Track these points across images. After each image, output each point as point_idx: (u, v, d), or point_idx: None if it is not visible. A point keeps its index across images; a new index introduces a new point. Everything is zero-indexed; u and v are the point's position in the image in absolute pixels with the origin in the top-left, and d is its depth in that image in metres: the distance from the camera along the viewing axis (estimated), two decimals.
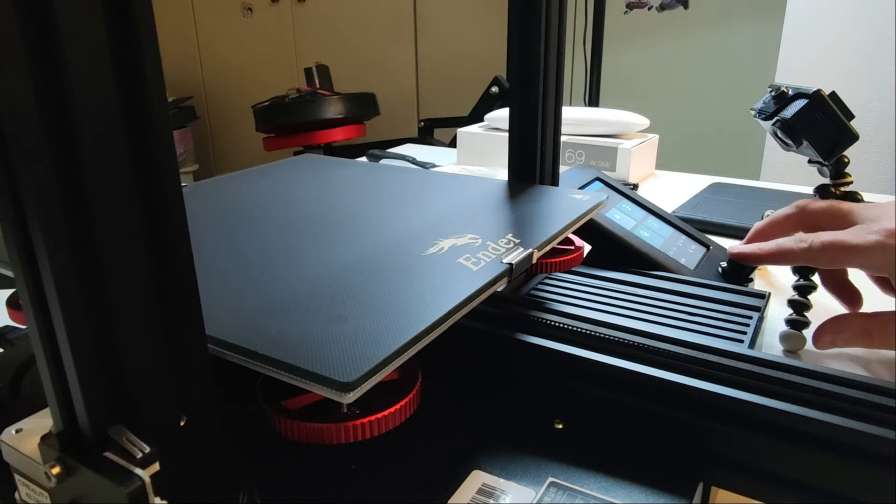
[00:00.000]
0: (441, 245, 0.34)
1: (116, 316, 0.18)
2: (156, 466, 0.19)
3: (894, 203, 0.41)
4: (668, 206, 0.72)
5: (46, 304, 0.18)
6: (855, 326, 0.41)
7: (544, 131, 0.46)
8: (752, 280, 0.48)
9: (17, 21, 0.15)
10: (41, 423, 0.21)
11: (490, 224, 0.37)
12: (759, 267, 0.50)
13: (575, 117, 0.94)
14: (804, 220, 0.45)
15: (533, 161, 0.46)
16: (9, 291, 0.36)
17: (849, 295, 0.45)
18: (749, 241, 0.47)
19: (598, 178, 0.56)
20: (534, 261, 0.34)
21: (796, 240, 0.42)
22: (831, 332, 0.41)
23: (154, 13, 0.17)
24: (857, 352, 0.44)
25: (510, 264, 0.32)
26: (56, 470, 0.19)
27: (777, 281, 0.55)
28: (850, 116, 0.46)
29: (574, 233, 0.40)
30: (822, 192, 0.47)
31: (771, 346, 0.45)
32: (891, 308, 0.41)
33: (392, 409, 0.26)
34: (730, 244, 0.49)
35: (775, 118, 0.47)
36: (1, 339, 0.43)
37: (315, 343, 0.24)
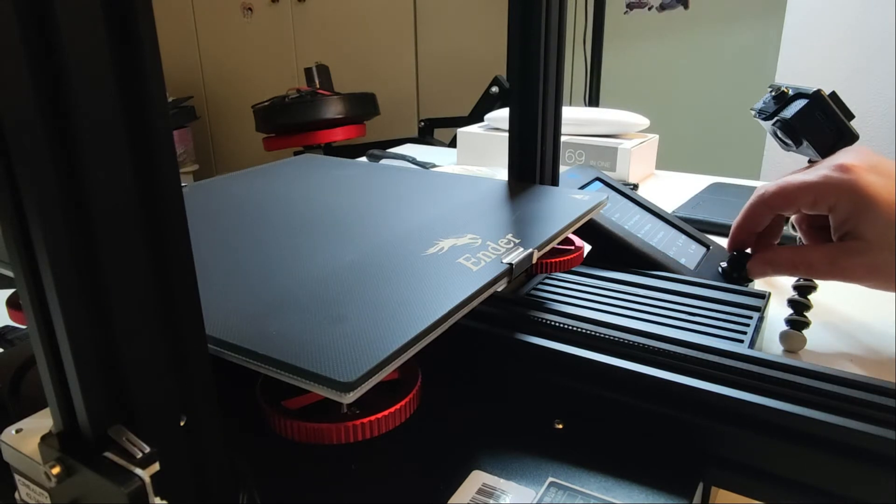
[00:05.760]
0: (441, 245, 0.34)
1: (116, 316, 0.18)
2: (156, 466, 0.19)
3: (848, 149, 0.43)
4: (668, 206, 0.72)
5: (46, 304, 0.18)
6: (784, 259, 0.44)
7: (544, 131, 0.46)
8: (752, 280, 0.48)
9: (17, 22, 0.15)
10: (41, 423, 0.21)
11: (490, 224, 0.37)
12: None
13: (575, 117, 0.94)
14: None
15: (533, 161, 0.46)
16: (9, 291, 0.36)
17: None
18: (735, 242, 0.48)
19: (598, 178, 0.56)
20: (534, 261, 0.34)
21: (754, 195, 0.45)
22: (762, 262, 0.45)
23: (154, 13, 0.17)
24: (857, 352, 0.44)
25: (510, 264, 0.32)
26: (56, 470, 0.19)
27: (777, 281, 0.55)
28: (850, 116, 0.46)
29: (574, 233, 0.40)
30: None
31: (771, 346, 0.45)
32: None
33: (392, 409, 0.26)
34: None
35: (775, 118, 0.47)
36: (1, 339, 0.43)
37: (315, 343, 0.24)
